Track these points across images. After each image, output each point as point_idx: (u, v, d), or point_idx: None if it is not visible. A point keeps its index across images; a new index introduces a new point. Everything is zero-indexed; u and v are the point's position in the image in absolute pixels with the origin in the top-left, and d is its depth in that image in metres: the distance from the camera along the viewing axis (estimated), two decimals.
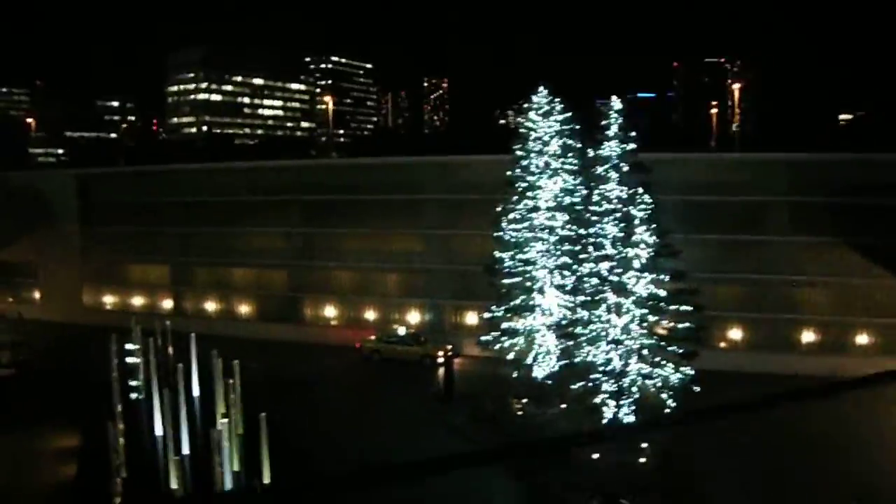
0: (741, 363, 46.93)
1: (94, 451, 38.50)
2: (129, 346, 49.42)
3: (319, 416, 43.34)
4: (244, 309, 65.34)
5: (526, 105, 41.34)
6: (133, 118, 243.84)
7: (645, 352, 35.02)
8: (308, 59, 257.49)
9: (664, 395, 34.64)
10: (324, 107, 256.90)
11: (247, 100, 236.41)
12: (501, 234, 41.18)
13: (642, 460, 34.14)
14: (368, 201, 60.04)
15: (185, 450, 37.27)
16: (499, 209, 41.61)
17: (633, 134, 36.43)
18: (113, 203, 69.78)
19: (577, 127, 40.76)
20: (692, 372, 34.77)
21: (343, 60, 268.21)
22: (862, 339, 49.94)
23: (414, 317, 59.27)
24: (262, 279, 65.27)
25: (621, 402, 35.07)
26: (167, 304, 67.98)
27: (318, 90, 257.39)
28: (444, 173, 58.49)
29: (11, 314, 64.81)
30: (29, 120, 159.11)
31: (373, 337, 56.43)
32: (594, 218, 36.58)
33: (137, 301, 69.34)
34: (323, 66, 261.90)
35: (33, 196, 69.74)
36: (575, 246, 38.57)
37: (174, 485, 33.54)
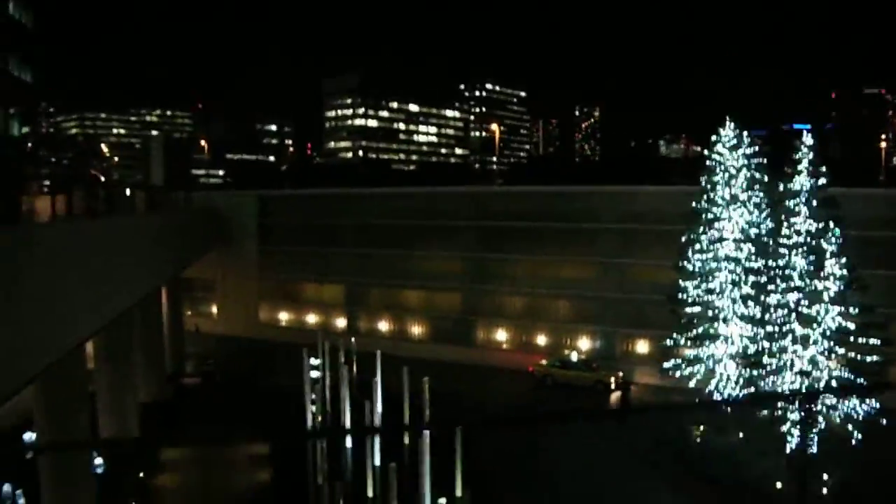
0: None
1: (289, 458, 41.58)
2: (313, 361, 52.33)
3: (499, 435, 44.93)
4: (416, 330, 68.00)
5: (714, 138, 42.43)
6: (290, 142, 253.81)
7: (833, 383, 35.58)
8: (462, 87, 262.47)
9: (850, 426, 35.14)
10: (478, 134, 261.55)
11: (402, 126, 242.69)
12: (685, 263, 42.26)
13: (824, 491, 34.70)
14: (542, 228, 61.82)
15: (377, 459, 39.51)
16: (683, 239, 42.71)
17: (824, 168, 37.18)
18: (290, 224, 74.00)
19: (764, 161, 41.60)
20: (878, 405, 35.18)
21: (497, 88, 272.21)
22: None
23: (584, 343, 60.61)
24: (434, 301, 67.81)
25: (806, 432, 35.68)
26: (340, 322, 71.28)
27: (472, 117, 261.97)
28: (619, 202, 59.86)
29: (189, 327, 69.59)
30: (202, 143, 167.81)
31: (544, 361, 58.01)
32: (782, 250, 37.48)
33: (311, 318, 73.02)
34: (477, 93, 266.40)
35: (218, 215, 74.35)
36: (761, 277, 39.43)
37: (370, 492, 36.21)
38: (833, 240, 35.87)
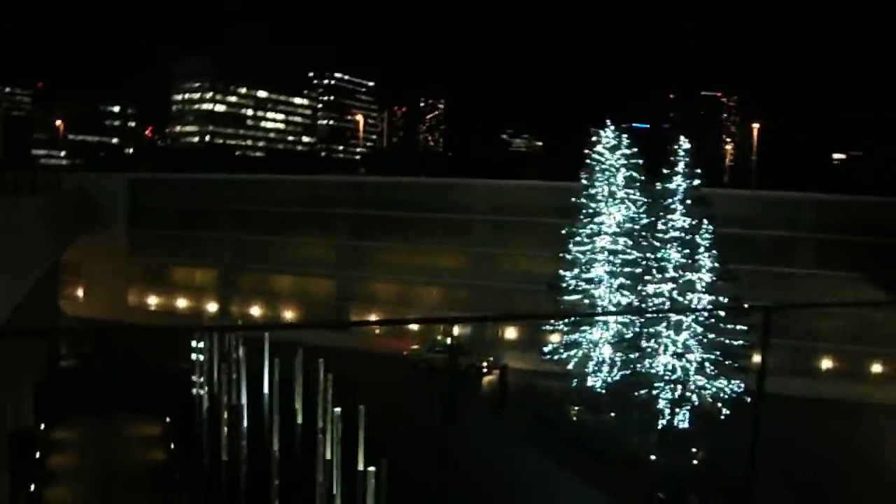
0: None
1: (181, 439, 42.26)
2: (193, 344, 52.67)
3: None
4: (289, 315, 68.92)
5: (594, 137, 45.60)
6: (133, 124, 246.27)
7: (706, 365, 39.24)
8: (311, 75, 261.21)
9: (719, 405, 38.91)
10: (325, 123, 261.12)
11: (250, 112, 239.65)
12: (565, 254, 45.22)
13: (695, 462, 38.26)
14: (416, 218, 63.94)
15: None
16: (563, 231, 45.67)
17: (699, 171, 40.86)
18: (162, 208, 73.32)
19: (641, 161, 45.05)
20: (743, 386, 39.11)
21: (346, 77, 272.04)
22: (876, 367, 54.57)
23: (455, 329, 63.03)
24: (308, 287, 68.95)
25: (678, 409, 39.28)
26: (212, 307, 71.37)
27: (320, 105, 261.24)
28: (490, 195, 62.65)
29: None
30: (58, 123, 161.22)
31: (416, 347, 60.14)
32: (657, 244, 40.93)
33: (182, 303, 72.76)
34: (326, 81, 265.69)
35: (86, 197, 72.83)
36: (636, 268, 42.84)
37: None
38: (706, 235, 39.49)
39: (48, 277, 59.01)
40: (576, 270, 44.96)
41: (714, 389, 39.22)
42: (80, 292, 76.87)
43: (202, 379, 50.17)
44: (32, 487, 36.94)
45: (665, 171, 41.36)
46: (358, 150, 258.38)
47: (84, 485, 39.24)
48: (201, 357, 51.48)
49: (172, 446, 42.26)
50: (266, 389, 47.36)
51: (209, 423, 42.84)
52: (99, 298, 74.17)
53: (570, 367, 45.01)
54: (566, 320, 45.15)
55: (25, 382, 43.60)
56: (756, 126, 75.66)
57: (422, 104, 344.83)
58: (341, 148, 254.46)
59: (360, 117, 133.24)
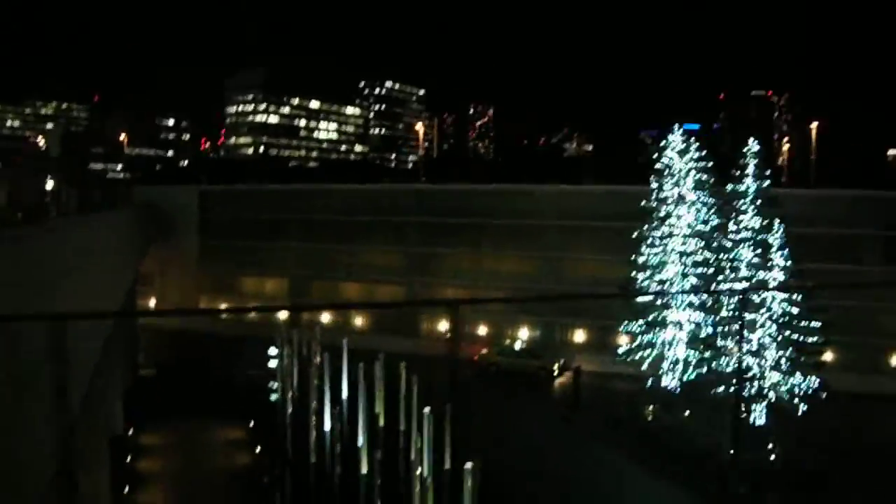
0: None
1: (265, 442, 43.84)
2: (271, 351, 54.43)
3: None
4: (359, 321, 70.49)
5: (663, 143, 46.63)
6: (187, 137, 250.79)
7: (782, 362, 40.09)
8: (362, 84, 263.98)
9: (795, 401, 39.71)
10: (377, 132, 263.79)
11: (303, 122, 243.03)
12: (637, 257, 46.25)
13: (771, 457, 39.03)
14: (483, 224, 65.24)
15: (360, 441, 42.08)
16: (634, 235, 46.68)
17: (769, 172, 41.77)
18: (232, 219, 75.43)
19: (711, 164, 45.94)
20: (819, 381, 39.88)
21: (397, 86, 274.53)
22: None
23: (524, 333, 64.26)
24: (377, 294, 70.44)
25: (754, 406, 40.13)
26: (282, 315, 73.06)
27: (371, 114, 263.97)
28: (558, 200, 63.73)
29: None
30: (122, 136, 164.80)
31: (485, 351, 61.38)
32: (729, 244, 41.91)
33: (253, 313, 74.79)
34: (377, 90, 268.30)
35: (156, 209, 75.11)
36: (708, 269, 43.79)
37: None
38: (777, 235, 40.37)
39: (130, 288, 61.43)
40: (647, 273, 45.91)
41: (789, 386, 40.03)
42: (151, 302, 79.11)
43: (280, 385, 51.94)
44: (126, 489, 38.71)
45: (734, 172, 42.33)
46: (410, 157, 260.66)
47: (174, 487, 41.01)
48: (276, 363, 53.45)
49: (258, 450, 43.64)
50: (345, 394, 49.29)
51: (292, 427, 44.53)
52: (171, 307, 76.51)
53: (643, 367, 45.86)
54: (639, 322, 45.97)
55: (117, 389, 45.53)
56: (814, 125, 75.39)
57: (471, 111, 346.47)
58: (393, 156, 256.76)
59: (420, 126, 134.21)
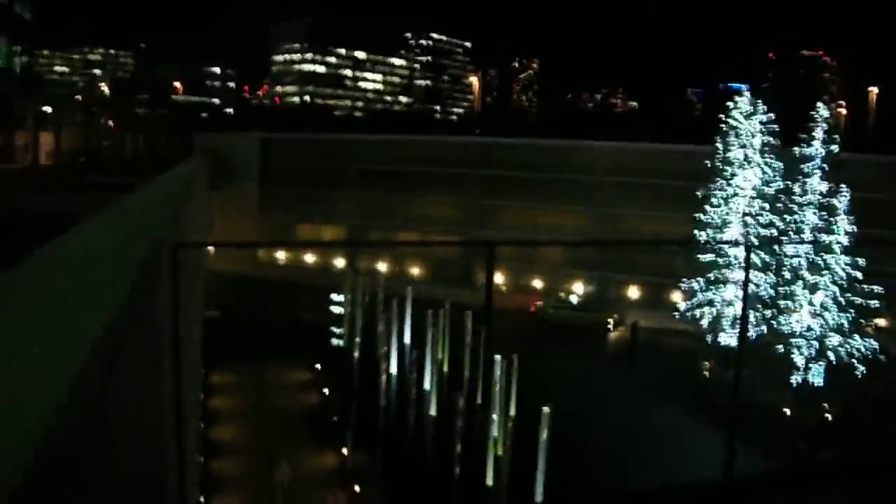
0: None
1: (331, 383, 45.52)
2: (334, 297, 56.02)
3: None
4: (416, 271, 71.88)
5: (731, 104, 47.30)
6: (233, 85, 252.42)
7: (843, 323, 41.11)
8: (408, 35, 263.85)
9: (854, 362, 40.77)
10: (423, 83, 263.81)
11: (349, 72, 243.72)
12: (701, 215, 47.18)
13: (828, 416, 40.18)
14: (540, 178, 66.11)
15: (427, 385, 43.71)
16: (699, 193, 47.55)
17: (836, 136, 42.41)
18: (291, 167, 76.73)
19: (777, 127, 46.57)
20: (877, 344, 40.91)
21: (443, 38, 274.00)
22: None
23: (579, 287, 65.41)
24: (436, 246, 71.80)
25: (812, 364, 41.27)
26: (339, 262, 74.77)
27: (417, 66, 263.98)
28: (614, 157, 64.48)
29: None
30: (177, 84, 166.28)
31: (539, 303, 62.76)
32: (794, 207, 42.76)
33: (310, 259, 76.42)
34: (423, 42, 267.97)
35: (223, 156, 76.56)
36: (771, 230, 44.70)
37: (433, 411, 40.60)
38: (843, 199, 41.15)
39: None
40: (710, 231, 46.83)
41: (849, 347, 41.05)
42: (210, 249, 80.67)
43: (344, 330, 53.65)
44: (202, 426, 40.41)
45: (802, 136, 43.04)
46: (454, 109, 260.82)
47: (246, 424, 42.74)
48: (341, 309, 55.11)
49: (326, 391, 45.26)
50: (408, 339, 51.00)
51: (359, 370, 46.24)
52: (230, 254, 78.12)
53: (703, 324, 46.92)
54: (701, 279, 46.95)
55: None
56: (874, 90, 75.17)
57: (515, 65, 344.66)
58: (438, 108, 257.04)
59: (475, 79, 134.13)
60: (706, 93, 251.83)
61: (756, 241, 45.70)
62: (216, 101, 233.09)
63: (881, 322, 43.15)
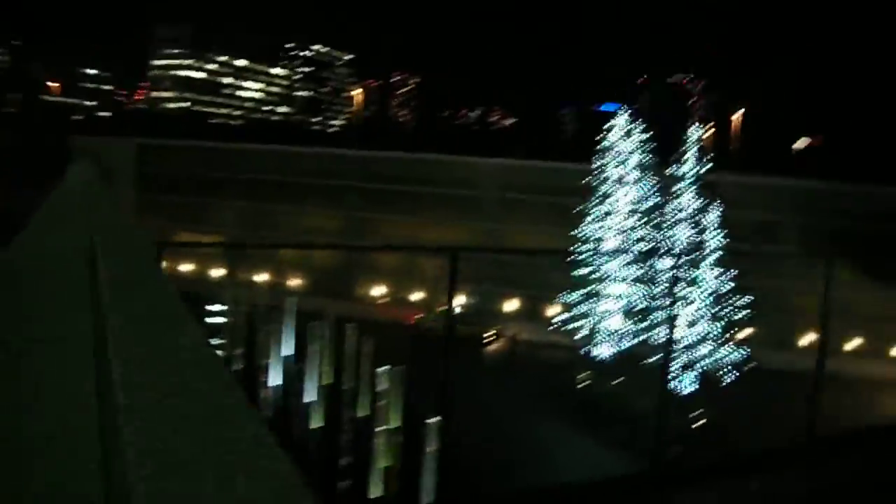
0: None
1: None
2: (210, 308, 55.22)
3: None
4: (295, 283, 71.41)
5: (608, 124, 48.96)
6: (109, 87, 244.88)
7: (712, 333, 43.00)
8: (290, 45, 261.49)
9: (722, 371, 42.72)
10: (303, 94, 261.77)
11: (228, 80, 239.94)
12: (579, 231, 48.61)
13: (698, 423, 41.96)
14: (423, 192, 66.77)
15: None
16: (577, 209, 49.00)
17: (708, 157, 44.44)
18: (168, 174, 75.29)
19: (654, 145, 48.47)
20: (746, 352, 42.98)
21: (324, 49, 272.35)
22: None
23: (458, 300, 66.00)
24: (314, 255, 71.36)
25: (685, 373, 43.02)
26: (216, 272, 73.58)
27: (297, 76, 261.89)
28: (496, 173, 65.68)
29: None
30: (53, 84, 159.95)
31: (420, 315, 63.22)
32: (667, 224, 44.58)
33: (187, 268, 75.03)
34: (304, 52, 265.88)
35: (97, 161, 74.37)
36: (646, 245, 46.45)
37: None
38: (714, 217, 43.12)
39: None
40: (588, 246, 48.27)
41: (717, 358, 43.00)
42: None
43: (224, 340, 52.80)
44: None
45: (675, 156, 44.96)
46: (333, 122, 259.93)
47: None
48: (219, 320, 54.34)
49: None
50: (289, 352, 50.67)
51: (240, 383, 45.66)
52: None
53: (578, 337, 48.27)
54: (579, 292, 48.29)
55: None
56: (738, 114, 78.93)
57: (396, 78, 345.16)
58: (317, 120, 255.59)
59: (359, 92, 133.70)
60: (580, 112, 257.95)
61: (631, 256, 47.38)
62: (92, 103, 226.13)
63: (747, 332, 45.09)
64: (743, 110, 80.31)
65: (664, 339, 43.21)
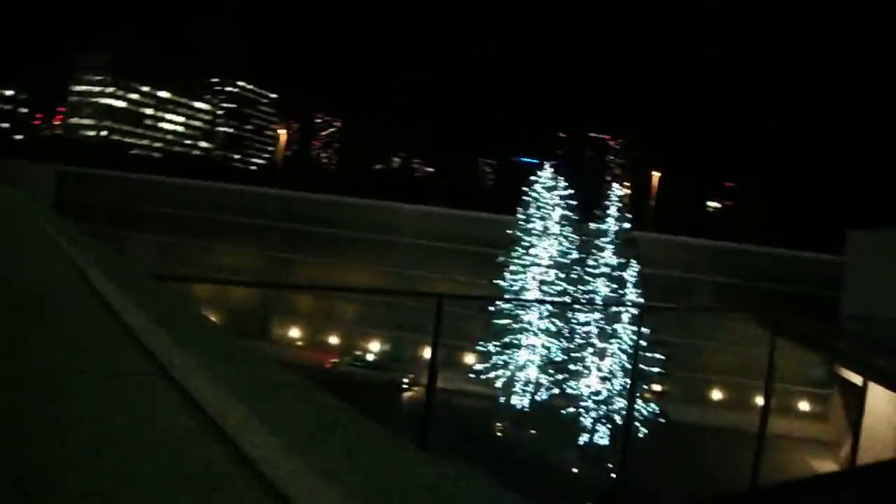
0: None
1: None
2: None
3: None
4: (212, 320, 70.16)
5: (533, 178, 49.78)
6: (26, 111, 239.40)
7: (626, 387, 43.70)
8: (214, 80, 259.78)
9: (637, 424, 43.29)
10: (224, 130, 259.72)
11: (150, 111, 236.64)
12: (500, 281, 49.07)
13: (612, 476, 42.38)
14: (341, 235, 66.51)
15: None
16: (499, 259, 49.52)
17: (630, 215, 45.47)
18: (88, 204, 73.32)
19: (576, 203, 49.41)
20: (658, 408, 43.69)
21: (249, 86, 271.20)
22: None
23: (375, 345, 65.95)
24: (232, 294, 70.37)
25: (598, 427, 43.51)
26: None
27: (220, 112, 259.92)
28: (415, 219, 65.90)
29: None
30: None
31: (335, 360, 62.79)
32: (587, 277, 45.30)
33: None
34: (229, 88, 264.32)
35: (14, 186, 72.36)
36: (566, 298, 47.08)
37: None
38: (633, 273, 44.01)
39: None
40: (509, 297, 48.79)
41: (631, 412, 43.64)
42: None
43: None
44: None
45: (597, 212, 45.91)
46: (254, 160, 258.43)
47: None
48: None
49: None
50: None
51: None
52: None
53: (497, 384, 48.54)
54: (496, 343, 48.68)
55: None
56: (656, 174, 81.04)
57: (318, 121, 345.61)
58: (238, 157, 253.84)
59: (283, 131, 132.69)
60: (501, 164, 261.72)
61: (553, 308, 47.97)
62: (5, 125, 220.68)
63: (660, 387, 45.80)
64: (658, 172, 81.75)
65: (580, 392, 43.93)
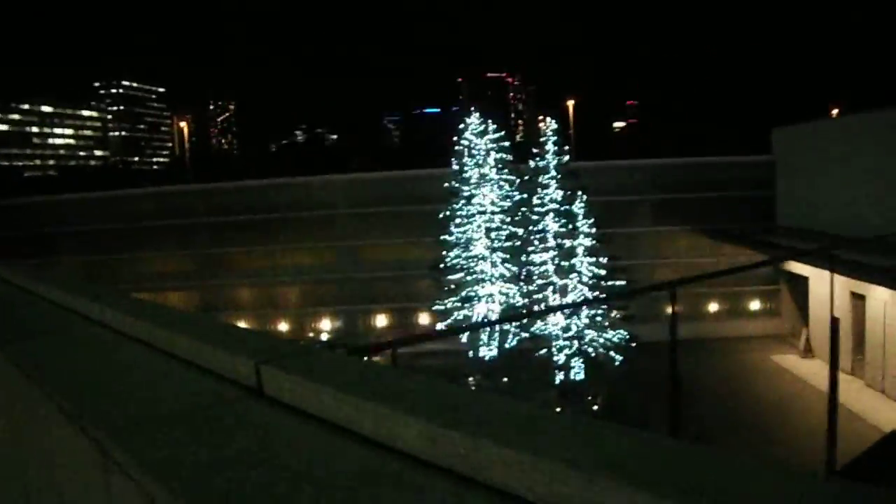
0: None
1: None
2: None
3: None
4: None
5: (462, 126, 48.85)
6: None
7: (597, 319, 43.49)
8: (98, 85, 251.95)
9: (612, 353, 43.31)
10: (117, 134, 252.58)
11: (36, 129, 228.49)
12: (446, 236, 48.27)
13: (595, 408, 42.37)
14: (273, 219, 64.86)
15: None
16: (441, 215, 48.68)
17: (567, 147, 44.97)
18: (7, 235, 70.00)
19: (508, 143, 48.74)
20: (627, 333, 43.70)
21: (134, 85, 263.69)
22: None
23: (327, 324, 64.77)
24: (169, 300, 68.08)
25: (573, 364, 43.33)
26: None
27: (109, 116, 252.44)
28: (349, 189, 64.52)
29: None
30: None
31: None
32: (535, 217, 44.79)
33: None
34: (114, 91, 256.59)
35: None
36: (516, 241, 46.53)
37: None
38: (581, 204, 43.60)
39: None
40: (456, 251, 48.02)
41: (603, 340, 43.54)
42: None
43: None
44: None
45: (535, 150, 45.33)
46: (156, 159, 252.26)
47: None
48: None
49: None
50: None
51: None
52: None
53: (463, 340, 47.95)
54: (453, 298, 48.01)
55: None
56: (570, 102, 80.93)
57: (211, 107, 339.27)
58: (136, 159, 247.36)
59: (184, 123, 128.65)
60: (402, 118, 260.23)
61: (504, 254, 47.43)
62: None
63: (628, 312, 45.67)
64: (572, 101, 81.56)
65: (549, 332, 43.62)
